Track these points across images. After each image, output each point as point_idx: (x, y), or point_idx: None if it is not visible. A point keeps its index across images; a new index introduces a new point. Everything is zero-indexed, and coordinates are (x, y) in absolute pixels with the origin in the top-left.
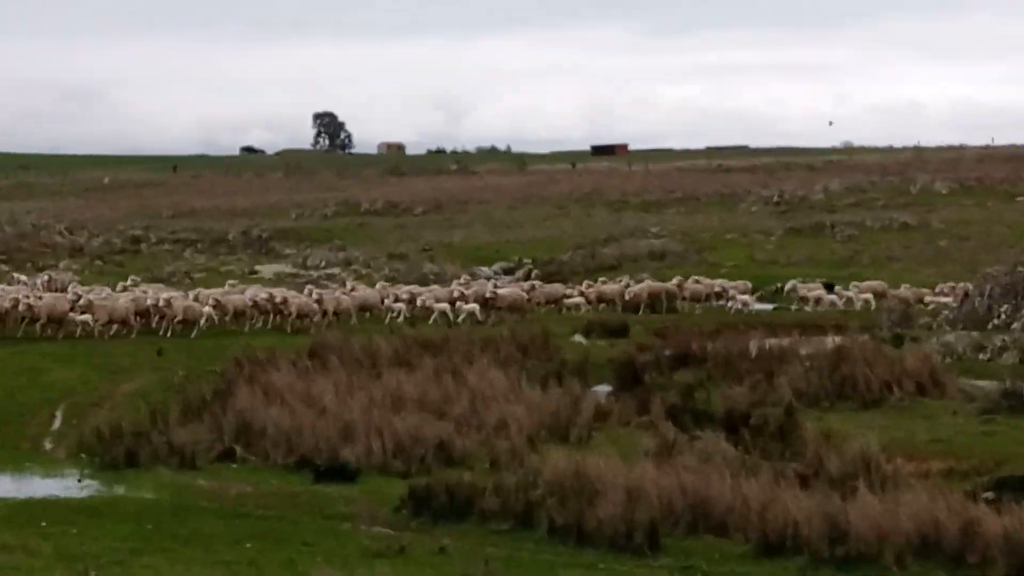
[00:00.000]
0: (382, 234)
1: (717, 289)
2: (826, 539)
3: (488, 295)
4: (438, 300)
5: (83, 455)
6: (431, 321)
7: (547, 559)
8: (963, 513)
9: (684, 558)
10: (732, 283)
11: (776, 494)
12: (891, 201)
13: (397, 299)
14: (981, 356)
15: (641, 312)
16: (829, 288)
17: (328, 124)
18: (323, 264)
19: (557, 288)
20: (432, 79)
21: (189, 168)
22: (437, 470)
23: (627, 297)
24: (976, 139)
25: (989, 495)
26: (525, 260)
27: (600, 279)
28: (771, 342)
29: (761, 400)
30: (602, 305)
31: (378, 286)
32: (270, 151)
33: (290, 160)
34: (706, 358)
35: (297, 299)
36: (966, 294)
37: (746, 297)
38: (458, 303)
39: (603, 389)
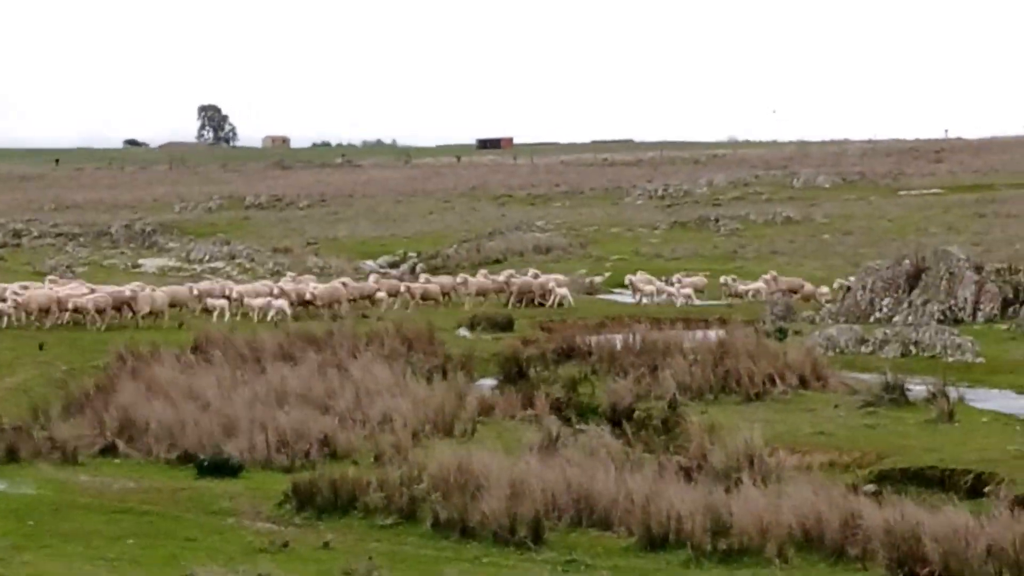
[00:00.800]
0: (266, 228)
1: (550, 285)
2: (709, 532)
3: (308, 295)
4: (258, 295)
5: None
6: (257, 319)
7: (431, 553)
8: (845, 506)
9: (568, 552)
10: (551, 275)
11: (660, 488)
12: (775, 195)
13: (224, 295)
14: (863, 349)
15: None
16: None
17: (212, 117)
18: (207, 258)
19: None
20: (318, 73)
21: (71, 161)
22: (321, 465)
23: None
24: (860, 134)
25: (871, 488)
26: (410, 254)
27: (481, 272)
28: (656, 335)
29: (645, 394)
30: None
31: (186, 284)
32: (154, 144)
33: (174, 153)
34: (591, 352)
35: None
36: (848, 288)
37: (564, 291)
38: (274, 300)
39: (488, 383)
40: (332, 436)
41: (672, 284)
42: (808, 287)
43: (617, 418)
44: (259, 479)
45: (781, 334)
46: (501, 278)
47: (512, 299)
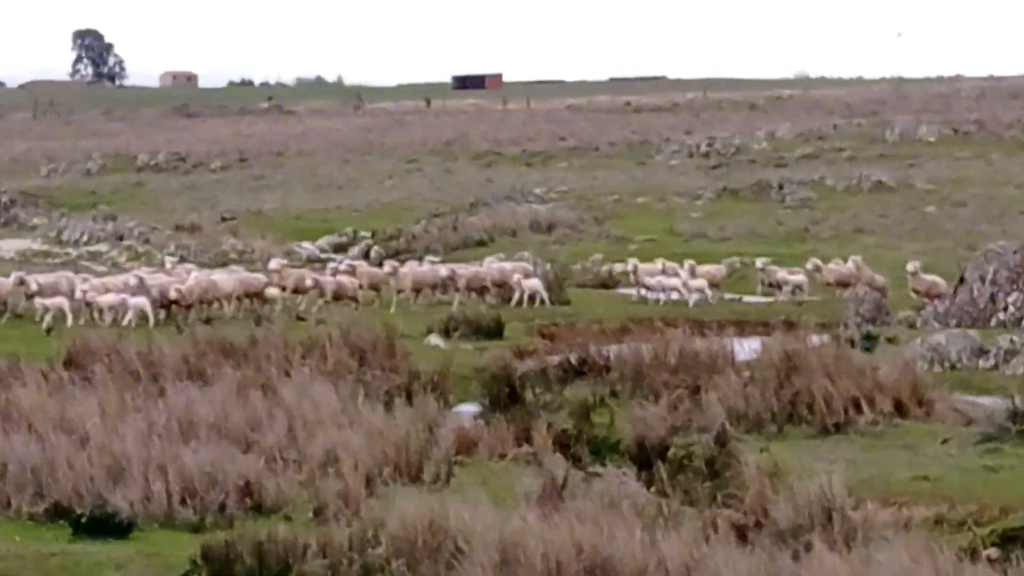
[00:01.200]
0: (166, 198)
1: (515, 277)
2: None
3: (173, 292)
4: (109, 291)
5: None
6: (107, 322)
7: None
8: None
9: None
10: (512, 264)
11: (704, 553)
12: (860, 152)
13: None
14: (982, 363)
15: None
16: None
17: (92, 46)
18: (85, 238)
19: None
20: None
21: None
22: (242, 522)
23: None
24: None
25: (993, 553)
26: (362, 234)
27: (428, 259)
28: (699, 344)
29: (684, 424)
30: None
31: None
32: (11, 83)
33: (39, 95)
34: (609, 367)
35: None
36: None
37: (534, 282)
38: (129, 298)
39: (468, 410)
40: (256, 482)
41: (675, 274)
42: (878, 279)
43: (646, 457)
44: (157, 541)
45: (869, 343)
46: (444, 271)
47: (459, 296)
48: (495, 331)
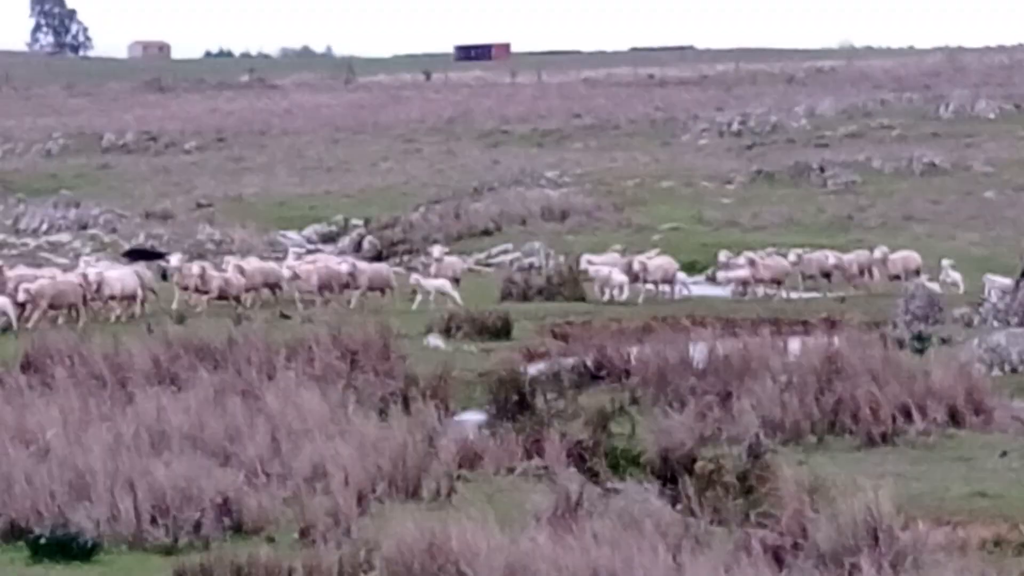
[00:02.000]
0: (135, 182)
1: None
2: None
3: (22, 294)
4: None
5: None
6: None
7: None
8: None
9: None
10: (448, 259)
11: None
12: (911, 130)
13: None
14: None
15: None
16: None
17: (52, 13)
18: (45, 227)
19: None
20: None
21: None
22: (219, 543)
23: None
24: None
25: None
26: (354, 222)
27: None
28: (729, 346)
29: (713, 435)
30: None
31: None
32: None
33: None
34: (629, 370)
35: None
36: None
37: (438, 284)
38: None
39: (473, 418)
40: (236, 499)
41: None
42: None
43: (670, 472)
44: (124, 564)
45: (921, 344)
46: (344, 267)
47: (358, 295)
48: (502, 331)
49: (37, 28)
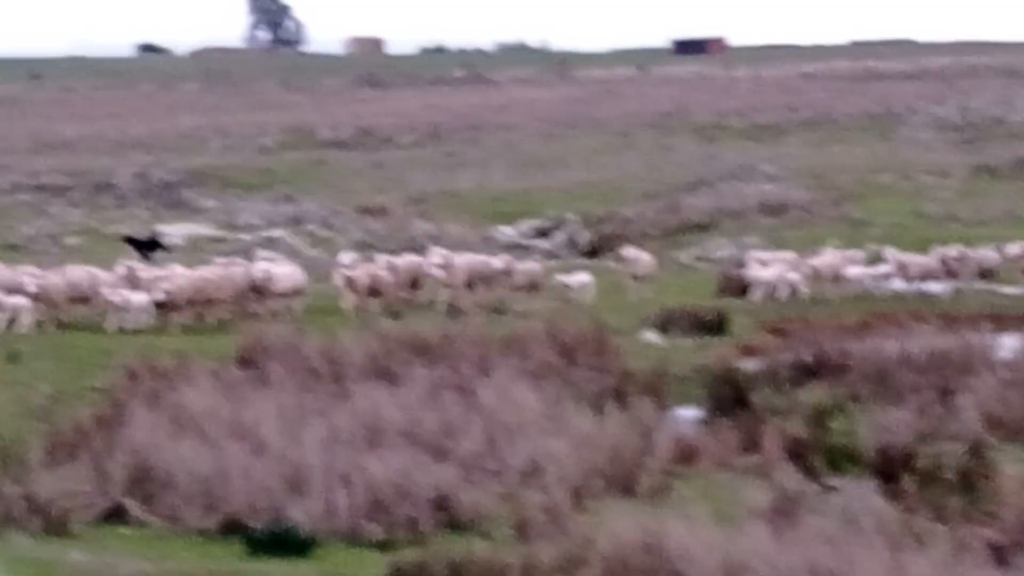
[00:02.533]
0: (350, 177)
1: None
2: None
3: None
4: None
5: None
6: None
7: None
8: None
9: None
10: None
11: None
12: None
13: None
14: None
15: None
16: None
17: (269, 10)
18: (261, 223)
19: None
20: None
21: (57, 76)
22: (435, 538)
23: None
24: None
25: None
26: (568, 216)
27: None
28: (949, 341)
29: (933, 432)
30: None
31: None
32: (180, 50)
33: (211, 63)
34: (848, 367)
35: None
36: None
37: (582, 280)
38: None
39: (688, 414)
40: (451, 495)
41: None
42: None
43: (889, 469)
44: (340, 559)
45: None
46: (497, 263)
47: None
48: (717, 326)
49: (254, 25)
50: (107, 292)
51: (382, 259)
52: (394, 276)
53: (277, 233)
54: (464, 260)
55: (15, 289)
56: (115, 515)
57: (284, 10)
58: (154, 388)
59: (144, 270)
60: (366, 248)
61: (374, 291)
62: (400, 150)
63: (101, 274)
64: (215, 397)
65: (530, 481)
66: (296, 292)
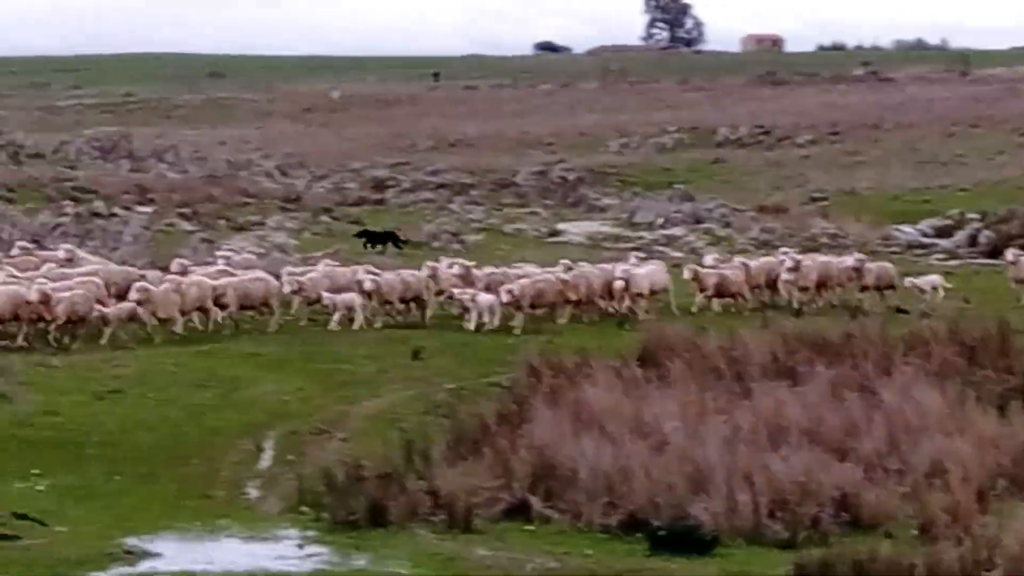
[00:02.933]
0: (748, 176)
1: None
2: None
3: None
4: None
5: (305, 508)
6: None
7: None
8: None
9: None
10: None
11: None
12: None
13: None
14: None
15: None
16: None
17: (667, 8)
18: (659, 221)
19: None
20: None
21: (457, 76)
22: (837, 537)
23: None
24: None
25: None
26: (970, 216)
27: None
28: None
29: None
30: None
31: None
32: (578, 49)
33: (609, 62)
34: None
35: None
36: None
37: (931, 280)
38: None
39: None
40: (854, 494)
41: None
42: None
43: None
44: (742, 558)
45: None
46: (850, 262)
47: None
48: None
49: (652, 23)
50: (456, 292)
51: (736, 260)
52: (745, 277)
53: (676, 232)
54: (814, 261)
55: (349, 287)
56: (518, 511)
57: (684, 9)
58: (555, 385)
59: (480, 270)
60: (763, 247)
61: (722, 291)
62: (798, 148)
63: (441, 271)
64: (616, 394)
65: (932, 481)
66: (657, 293)
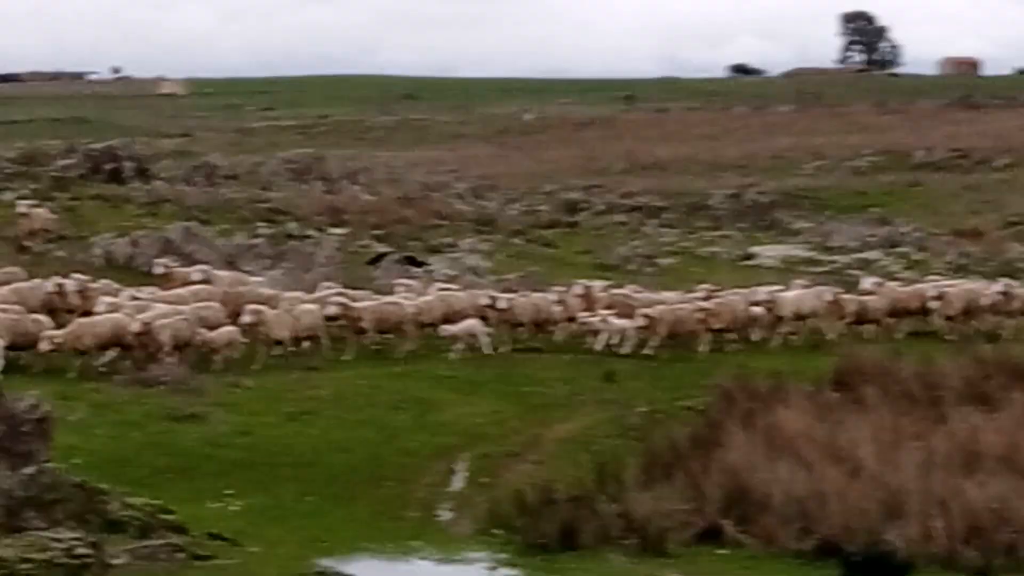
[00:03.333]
0: (944, 199)
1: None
2: None
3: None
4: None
5: (496, 531)
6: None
7: None
8: None
9: None
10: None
11: None
12: None
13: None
14: None
15: None
16: None
17: (863, 30)
18: (854, 244)
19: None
20: None
21: (650, 98)
22: None
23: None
24: None
25: None
26: None
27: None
28: None
29: None
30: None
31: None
32: (773, 71)
33: (804, 85)
34: None
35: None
36: None
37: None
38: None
39: None
40: None
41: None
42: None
43: None
44: None
45: None
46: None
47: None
48: None
49: (848, 46)
50: (588, 316)
51: (887, 284)
52: (885, 303)
53: (871, 255)
54: (959, 289)
55: (475, 312)
56: (710, 535)
57: (880, 32)
58: (749, 409)
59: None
60: (959, 271)
61: (862, 318)
62: (996, 172)
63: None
64: (810, 419)
65: None
66: (804, 318)
